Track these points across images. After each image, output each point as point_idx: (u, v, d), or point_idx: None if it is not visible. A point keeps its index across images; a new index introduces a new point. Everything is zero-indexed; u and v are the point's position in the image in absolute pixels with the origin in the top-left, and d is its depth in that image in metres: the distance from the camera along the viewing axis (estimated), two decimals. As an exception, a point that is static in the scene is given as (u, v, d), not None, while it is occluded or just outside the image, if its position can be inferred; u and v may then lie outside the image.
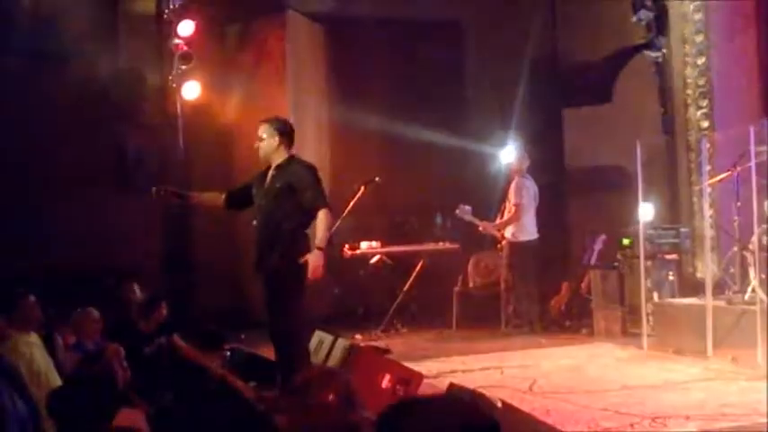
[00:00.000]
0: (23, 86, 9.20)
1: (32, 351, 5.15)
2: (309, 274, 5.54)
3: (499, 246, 9.33)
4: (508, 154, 9.43)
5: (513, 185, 9.19)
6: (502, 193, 9.48)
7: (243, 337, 8.60)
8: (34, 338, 5.24)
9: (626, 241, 8.48)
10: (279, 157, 5.79)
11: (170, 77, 9.58)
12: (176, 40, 9.45)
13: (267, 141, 5.79)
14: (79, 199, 9.45)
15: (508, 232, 9.18)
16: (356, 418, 2.62)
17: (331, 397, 2.64)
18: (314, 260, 5.53)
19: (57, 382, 4.90)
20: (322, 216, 5.62)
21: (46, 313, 5.63)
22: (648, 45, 8.93)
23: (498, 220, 9.24)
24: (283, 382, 5.76)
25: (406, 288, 9.50)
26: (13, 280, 6.07)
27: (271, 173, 5.81)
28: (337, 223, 9.31)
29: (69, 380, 4.71)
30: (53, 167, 9.41)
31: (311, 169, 5.81)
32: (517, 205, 9.06)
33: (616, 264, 8.61)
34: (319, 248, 5.56)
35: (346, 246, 9.57)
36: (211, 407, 5.18)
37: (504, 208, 9.26)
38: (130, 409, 4.48)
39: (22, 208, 9.17)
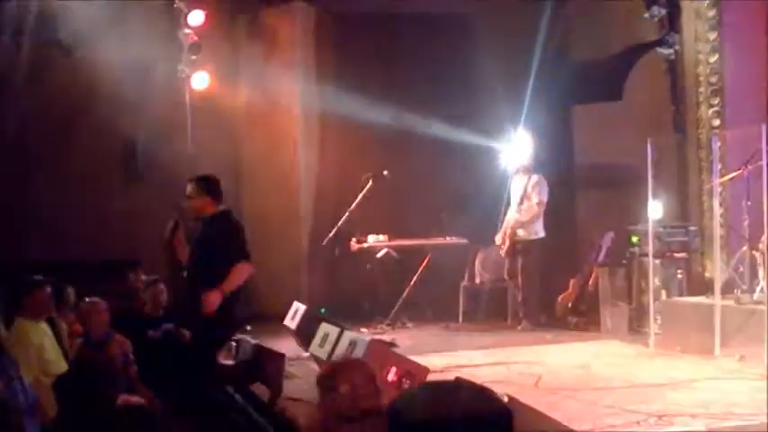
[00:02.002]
0: (33, 77, 9.21)
1: (43, 340, 5.16)
2: (203, 307, 5.56)
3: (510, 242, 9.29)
4: (518, 150, 9.38)
5: (534, 183, 9.14)
6: (509, 188, 9.44)
7: (249, 328, 8.61)
8: (45, 327, 5.25)
9: (634, 239, 8.43)
10: (208, 213, 5.90)
11: (179, 68, 9.55)
12: (186, 30, 9.41)
13: (195, 200, 5.90)
14: (88, 190, 9.47)
15: (523, 230, 9.15)
16: (382, 404, 2.65)
17: (361, 382, 2.67)
18: (210, 295, 5.56)
19: (65, 368, 4.92)
20: (239, 266, 5.71)
21: (60, 299, 5.67)
22: (660, 42, 8.86)
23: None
24: None
25: (412, 282, 9.48)
26: (23, 270, 6.06)
27: (201, 228, 5.93)
28: (344, 216, 9.35)
29: (71, 367, 4.72)
30: (61, 159, 9.43)
31: (235, 226, 5.89)
32: (541, 203, 9.07)
33: (624, 261, 8.58)
34: (221, 290, 5.59)
35: (353, 239, 9.56)
36: (218, 396, 5.19)
37: (521, 204, 9.22)
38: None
39: (31, 199, 9.20)
